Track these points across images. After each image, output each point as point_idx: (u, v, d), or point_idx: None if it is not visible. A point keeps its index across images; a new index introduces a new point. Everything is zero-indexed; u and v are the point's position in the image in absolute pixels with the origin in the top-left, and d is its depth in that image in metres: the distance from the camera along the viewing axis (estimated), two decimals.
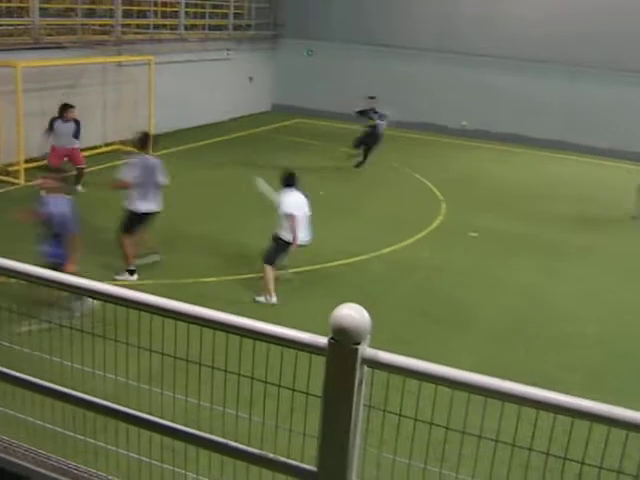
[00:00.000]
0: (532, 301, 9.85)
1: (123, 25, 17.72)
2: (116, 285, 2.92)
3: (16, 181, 13.44)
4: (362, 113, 16.36)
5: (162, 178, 9.41)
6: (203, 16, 21.47)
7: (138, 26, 19.01)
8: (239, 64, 22.20)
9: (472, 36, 21.42)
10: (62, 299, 6.61)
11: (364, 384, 2.41)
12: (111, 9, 17.41)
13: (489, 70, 21.32)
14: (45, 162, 13.07)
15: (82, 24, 16.62)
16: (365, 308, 2.38)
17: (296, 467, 2.68)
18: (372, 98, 16.53)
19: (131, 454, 3.27)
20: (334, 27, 22.99)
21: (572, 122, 20.70)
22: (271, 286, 9.04)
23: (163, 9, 19.76)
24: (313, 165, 15.48)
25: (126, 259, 9.36)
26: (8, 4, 15.46)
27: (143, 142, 9.51)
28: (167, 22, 19.87)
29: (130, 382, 3.22)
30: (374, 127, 16.29)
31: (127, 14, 18.28)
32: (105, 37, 17.11)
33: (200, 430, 2.85)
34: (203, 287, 9.37)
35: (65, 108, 12.78)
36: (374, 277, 10.29)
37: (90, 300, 8.87)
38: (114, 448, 3.33)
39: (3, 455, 3.20)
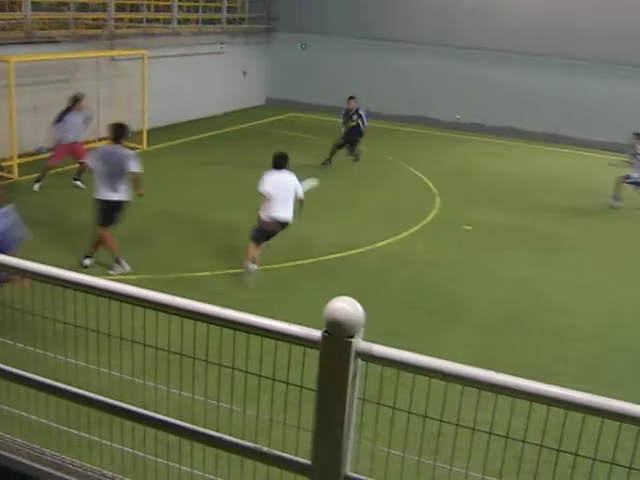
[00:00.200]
0: (526, 294, 9.87)
1: (116, 19, 17.65)
2: (111, 280, 2.91)
3: (10, 176, 13.41)
4: (345, 118, 16.05)
5: (132, 168, 9.31)
6: (196, 10, 21.39)
7: (131, 20, 18.96)
8: (233, 58, 22.14)
9: (468, 29, 21.38)
10: None
11: (358, 377, 2.42)
12: (104, 3, 17.32)
13: (484, 63, 21.30)
14: (48, 156, 13.06)
15: (75, 18, 16.55)
16: (359, 301, 2.39)
17: (290, 460, 2.69)
18: (352, 98, 16.09)
19: (125, 448, 3.27)
20: (329, 20, 22.92)
21: (567, 115, 20.71)
22: (250, 255, 9.43)
23: (156, 3, 19.69)
24: (307, 159, 15.44)
25: (111, 251, 9.42)
26: None
27: (116, 133, 9.47)
28: (160, 16, 19.79)
29: (124, 376, 3.22)
30: (355, 127, 15.98)
31: (120, 8, 18.21)
32: (98, 31, 17.04)
33: (194, 424, 2.85)
34: (196, 281, 9.37)
35: (77, 99, 12.70)
36: (368, 270, 10.29)
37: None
38: (108, 442, 3.33)
39: None
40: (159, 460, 3.22)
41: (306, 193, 9.78)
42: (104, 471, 3.18)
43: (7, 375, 3.13)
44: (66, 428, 3.35)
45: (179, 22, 20.13)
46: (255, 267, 9.50)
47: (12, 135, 13.40)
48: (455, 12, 21.75)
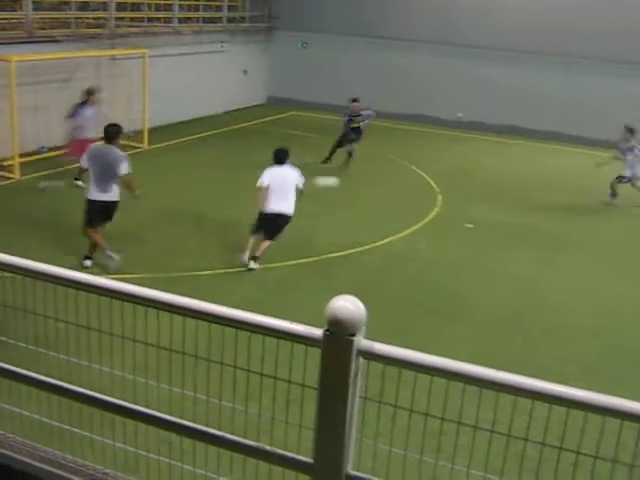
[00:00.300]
0: (528, 293, 9.86)
1: (117, 18, 17.65)
2: (114, 279, 2.91)
3: (11, 175, 13.42)
4: (348, 120, 15.95)
5: (122, 170, 9.30)
6: (197, 9, 21.39)
7: (132, 19, 18.96)
8: (233, 57, 22.13)
9: (468, 28, 21.37)
10: None
11: (360, 375, 2.42)
12: (104, 2, 17.32)
13: (485, 62, 21.29)
14: (63, 153, 13.06)
15: (75, 17, 16.56)
16: (360, 299, 2.38)
17: (292, 459, 2.69)
18: (355, 100, 15.92)
19: (127, 447, 3.27)
20: (329, 19, 22.91)
21: (568, 113, 20.68)
22: (248, 246, 9.71)
23: (157, 2, 19.67)
24: (308, 157, 15.44)
25: (99, 246, 9.46)
26: None
27: (109, 134, 9.49)
28: (161, 15, 19.80)
29: (125, 375, 3.22)
30: (356, 128, 15.94)
31: (121, 7, 18.21)
32: (99, 30, 17.04)
33: (196, 423, 2.85)
34: (197, 280, 9.37)
35: (91, 93, 12.68)
36: (370, 269, 10.29)
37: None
38: (110, 441, 3.33)
39: None
40: (161, 459, 3.22)
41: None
42: (106, 470, 3.18)
43: (9, 374, 3.13)
44: (68, 427, 3.35)
45: (180, 21, 20.13)
46: (245, 258, 9.70)
47: (13, 134, 13.39)
48: (455, 11, 21.75)
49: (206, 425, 2.84)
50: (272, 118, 21.93)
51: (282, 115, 22.53)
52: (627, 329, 8.92)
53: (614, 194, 14.49)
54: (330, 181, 10.66)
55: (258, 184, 9.66)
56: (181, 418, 2.87)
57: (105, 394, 3.00)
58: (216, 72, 21.21)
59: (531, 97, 20.93)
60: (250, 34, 23.31)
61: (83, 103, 12.65)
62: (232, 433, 2.80)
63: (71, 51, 15.57)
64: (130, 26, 18.41)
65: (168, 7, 19.93)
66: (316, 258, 10.45)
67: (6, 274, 2.98)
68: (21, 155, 13.73)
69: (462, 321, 8.77)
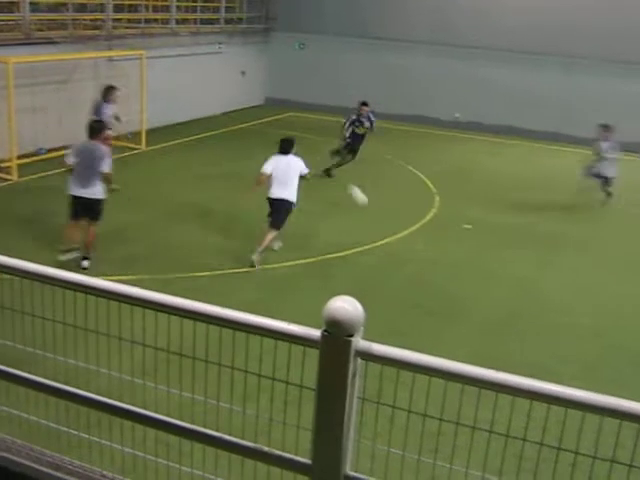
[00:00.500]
0: (526, 293, 9.86)
1: (114, 20, 17.64)
2: (110, 280, 2.91)
3: (9, 177, 13.40)
4: (356, 124, 15.04)
5: (104, 168, 9.34)
6: (194, 10, 21.39)
7: (129, 20, 18.94)
8: (231, 58, 22.13)
9: (466, 28, 21.39)
10: None
11: (358, 376, 2.41)
12: (102, 4, 17.31)
13: (483, 62, 21.30)
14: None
15: (73, 19, 16.54)
16: (358, 300, 2.38)
17: (290, 460, 2.68)
18: (365, 104, 15.00)
19: (125, 449, 3.26)
20: (327, 20, 22.92)
21: (566, 114, 20.70)
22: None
23: (154, 3, 19.69)
24: (306, 158, 15.39)
25: (69, 241, 9.52)
26: None
27: (91, 130, 9.54)
28: (158, 16, 19.79)
29: (124, 377, 3.22)
30: (363, 135, 15.13)
31: (118, 8, 18.19)
32: (96, 32, 17.03)
33: (194, 424, 2.84)
34: (195, 281, 9.36)
35: (110, 90, 12.69)
36: (368, 270, 10.29)
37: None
38: (108, 443, 3.32)
39: None
40: (159, 460, 3.21)
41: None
42: (104, 472, 3.17)
43: (7, 376, 3.13)
44: (66, 429, 3.34)
45: (177, 22, 20.12)
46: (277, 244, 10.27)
47: (11, 136, 13.39)
48: (453, 11, 21.77)
49: (204, 426, 2.84)
50: (270, 119, 21.92)
51: (280, 116, 22.53)
52: (627, 329, 8.92)
53: (609, 194, 14.49)
54: (360, 197, 10.85)
55: (262, 170, 9.90)
56: (179, 419, 2.86)
57: (103, 396, 2.99)
58: (214, 73, 21.22)
59: (530, 97, 20.93)
60: (248, 35, 23.32)
61: (103, 101, 12.66)
62: (230, 434, 2.79)
63: (68, 53, 15.56)
64: (127, 27, 18.40)
65: (165, 8, 19.93)
66: (314, 259, 10.45)
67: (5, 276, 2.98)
68: (19, 157, 13.72)
69: (460, 322, 8.76)
